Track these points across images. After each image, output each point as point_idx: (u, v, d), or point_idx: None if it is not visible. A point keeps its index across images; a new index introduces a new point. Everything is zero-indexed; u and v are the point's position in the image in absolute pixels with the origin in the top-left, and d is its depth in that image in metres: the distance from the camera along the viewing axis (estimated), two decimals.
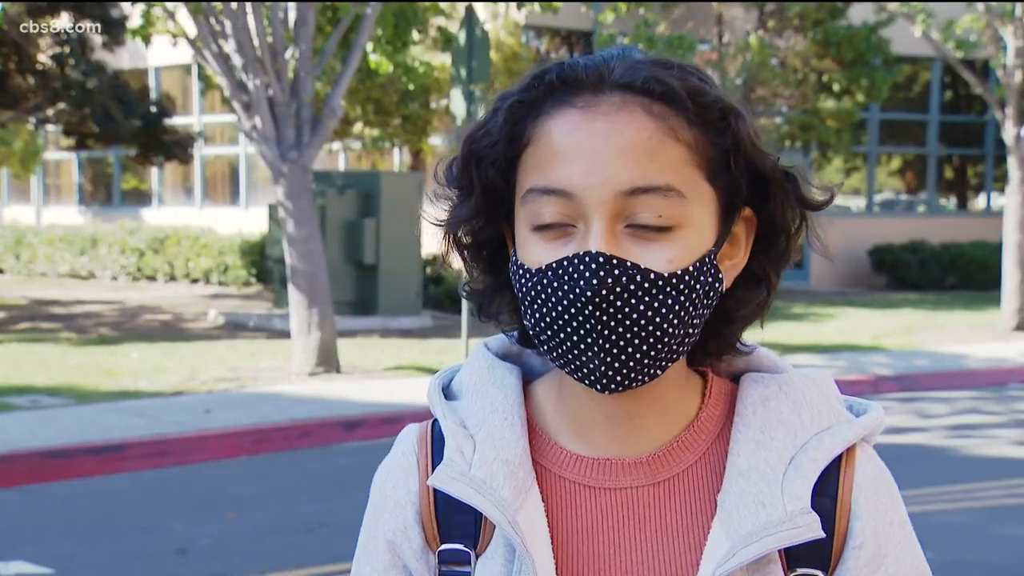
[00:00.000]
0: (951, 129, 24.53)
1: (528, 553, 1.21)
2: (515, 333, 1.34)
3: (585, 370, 1.19)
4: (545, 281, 1.18)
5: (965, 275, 21.63)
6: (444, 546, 1.27)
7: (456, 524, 1.27)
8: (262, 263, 19.26)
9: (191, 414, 9.37)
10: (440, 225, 1.30)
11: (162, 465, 8.30)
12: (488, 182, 1.24)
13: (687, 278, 1.18)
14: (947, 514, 7.05)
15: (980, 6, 15.63)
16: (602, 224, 1.16)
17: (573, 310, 1.16)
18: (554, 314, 1.18)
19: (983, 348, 13.86)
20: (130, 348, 13.06)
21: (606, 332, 1.16)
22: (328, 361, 11.39)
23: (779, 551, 1.22)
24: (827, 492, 1.24)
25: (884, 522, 1.26)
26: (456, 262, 1.32)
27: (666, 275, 1.17)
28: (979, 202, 25.54)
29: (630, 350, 1.17)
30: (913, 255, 21.70)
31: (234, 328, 15.15)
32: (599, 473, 1.26)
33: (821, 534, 1.21)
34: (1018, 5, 15.31)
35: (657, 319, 1.17)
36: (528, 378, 1.34)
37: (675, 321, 1.18)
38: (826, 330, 15.29)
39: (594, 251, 1.15)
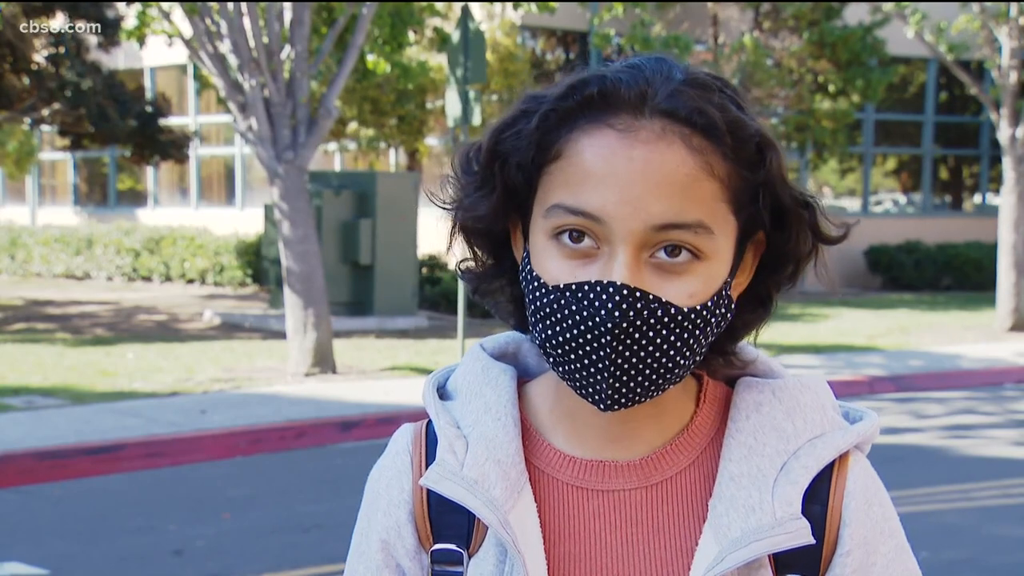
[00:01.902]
0: (946, 130, 24.54)
1: (519, 553, 1.21)
2: (513, 322, 1.33)
3: (590, 389, 1.18)
4: (563, 301, 1.16)
5: (960, 276, 21.64)
6: (437, 546, 1.27)
7: (449, 524, 1.27)
8: (258, 263, 19.24)
9: (187, 415, 9.36)
10: (449, 208, 1.28)
11: (158, 466, 8.29)
12: (511, 183, 1.22)
13: (704, 312, 1.17)
14: (942, 514, 7.06)
15: (975, 6, 15.65)
16: (628, 254, 1.14)
17: (589, 336, 1.15)
18: (568, 335, 1.17)
19: (978, 348, 13.87)
20: (126, 348, 13.05)
21: (619, 361, 1.16)
22: (324, 361, 11.39)
23: (769, 556, 1.22)
24: (818, 499, 1.24)
25: (875, 531, 1.26)
26: (453, 260, 1.31)
27: (686, 310, 1.16)
28: (974, 202, 25.56)
29: (640, 377, 1.17)
30: (908, 256, 21.70)
31: (230, 329, 15.14)
32: (592, 475, 1.26)
33: (811, 540, 1.20)
34: (1013, 6, 15.33)
35: (671, 351, 1.17)
36: (524, 379, 1.34)
37: (687, 352, 1.18)
38: (821, 330, 15.30)
39: (618, 282, 1.13)
